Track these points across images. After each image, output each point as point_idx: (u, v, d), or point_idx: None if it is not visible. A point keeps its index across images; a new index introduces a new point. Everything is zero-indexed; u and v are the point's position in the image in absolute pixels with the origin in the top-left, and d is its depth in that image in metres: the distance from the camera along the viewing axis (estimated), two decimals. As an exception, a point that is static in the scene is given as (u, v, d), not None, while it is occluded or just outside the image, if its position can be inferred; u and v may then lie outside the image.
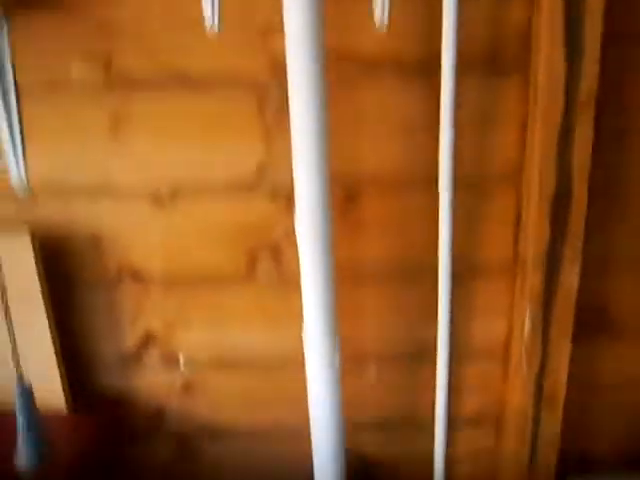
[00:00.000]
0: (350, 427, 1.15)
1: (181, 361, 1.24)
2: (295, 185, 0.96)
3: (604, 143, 1.08)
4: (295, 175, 0.95)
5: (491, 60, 1.06)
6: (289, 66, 0.90)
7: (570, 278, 1.12)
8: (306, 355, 1.06)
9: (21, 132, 1.06)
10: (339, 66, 1.04)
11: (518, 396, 1.22)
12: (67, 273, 1.17)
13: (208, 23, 0.94)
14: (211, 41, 0.95)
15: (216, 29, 0.94)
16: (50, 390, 1.16)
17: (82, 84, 1.05)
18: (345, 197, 1.13)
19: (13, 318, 1.00)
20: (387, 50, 1.04)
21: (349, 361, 1.10)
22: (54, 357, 1.15)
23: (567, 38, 0.99)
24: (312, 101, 0.90)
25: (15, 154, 1.08)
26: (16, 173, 1.09)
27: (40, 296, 1.11)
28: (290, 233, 1.00)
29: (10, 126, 1.06)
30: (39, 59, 1.04)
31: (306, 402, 1.10)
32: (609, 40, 1.00)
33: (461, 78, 1.01)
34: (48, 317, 1.13)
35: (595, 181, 1.07)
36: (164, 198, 1.12)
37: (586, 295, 1.15)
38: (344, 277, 1.08)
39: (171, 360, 1.24)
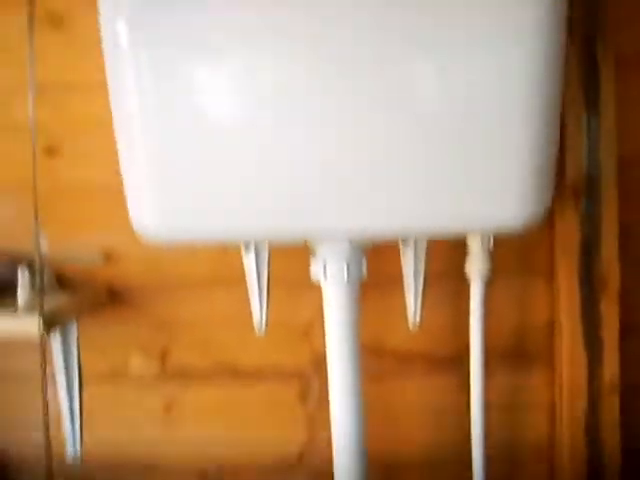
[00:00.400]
0: None
1: None
2: (335, 466, 0.99)
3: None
4: (335, 458, 0.99)
5: (517, 350, 1.13)
6: (329, 360, 0.96)
7: None
8: None
9: (80, 411, 1.13)
10: (375, 359, 1.13)
11: None
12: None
13: (256, 323, 1.03)
14: (258, 338, 1.04)
15: (263, 328, 1.03)
16: None
17: (139, 373, 1.15)
18: (383, 476, 1.16)
19: None
20: (419, 345, 1.13)
21: None
22: None
23: (586, 330, 1.07)
24: (350, 391, 0.96)
25: (73, 430, 1.14)
26: (71, 447, 1.15)
27: None
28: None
29: (71, 405, 1.13)
30: (102, 349, 1.15)
31: None
32: (628, 329, 1.08)
33: (489, 367, 1.07)
34: None
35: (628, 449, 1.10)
36: (210, 475, 1.17)
37: None
38: None
39: None
